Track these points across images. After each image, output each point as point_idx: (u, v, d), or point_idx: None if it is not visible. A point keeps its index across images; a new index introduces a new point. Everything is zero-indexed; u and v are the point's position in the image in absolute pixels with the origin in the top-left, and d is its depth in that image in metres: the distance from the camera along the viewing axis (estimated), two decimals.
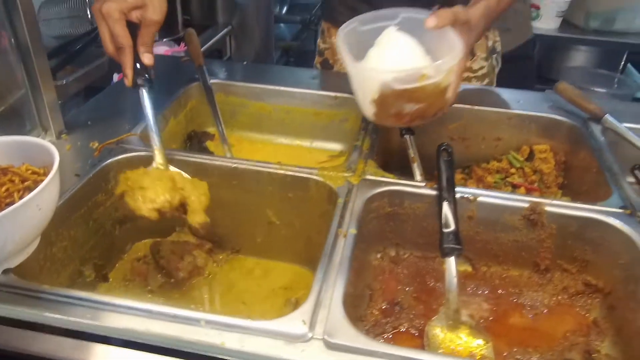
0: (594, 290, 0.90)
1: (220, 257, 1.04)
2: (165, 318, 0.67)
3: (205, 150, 1.25)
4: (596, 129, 1.13)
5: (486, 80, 1.38)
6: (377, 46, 0.88)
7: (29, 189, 0.70)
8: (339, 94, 1.26)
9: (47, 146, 0.74)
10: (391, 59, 0.86)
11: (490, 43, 1.34)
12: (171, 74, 1.36)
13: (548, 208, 0.90)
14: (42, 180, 0.68)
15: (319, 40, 1.53)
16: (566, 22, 2.58)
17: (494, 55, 1.36)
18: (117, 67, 1.90)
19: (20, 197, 0.69)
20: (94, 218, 0.96)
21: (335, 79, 1.39)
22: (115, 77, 1.68)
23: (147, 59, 0.92)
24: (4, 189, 0.71)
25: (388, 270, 0.96)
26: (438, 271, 0.94)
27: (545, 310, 0.90)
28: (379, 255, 0.98)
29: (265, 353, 0.65)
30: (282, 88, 1.29)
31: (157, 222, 0.93)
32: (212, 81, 1.27)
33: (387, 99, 0.83)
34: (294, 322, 0.67)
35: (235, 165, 1.00)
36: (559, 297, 0.92)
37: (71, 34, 1.91)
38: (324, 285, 0.73)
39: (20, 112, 1.02)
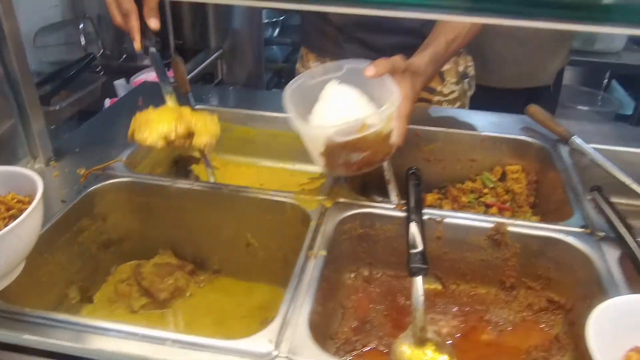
0: (557, 306, 0.93)
1: (202, 277, 1.08)
2: (135, 338, 0.71)
3: (191, 174, 1.30)
4: (564, 150, 1.17)
5: (458, 104, 1.42)
6: (321, 100, 0.93)
7: (14, 217, 0.74)
8: None
9: (32, 176, 0.78)
10: (334, 112, 0.90)
11: (461, 68, 1.39)
12: (159, 100, 1.41)
13: (511, 228, 0.94)
14: (26, 209, 0.73)
15: (297, 65, 1.59)
16: None
17: (466, 80, 1.40)
18: (109, 92, 1.94)
19: (5, 225, 0.73)
20: (79, 242, 1.00)
21: None
22: (107, 102, 1.73)
23: (153, 23, 0.96)
24: None
25: (361, 289, 1.00)
26: (409, 290, 0.96)
27: (510, 327, 0.93)
28: (352, 275, 1.01)
29: None
30: (266, 113, 1.34)
31: (141, 242, 0.96)
32: (197, 107, 1.33)
33: (334, 151, 0.87)
34: (261, 340, 0.71)
35: (215, 189, 1.04)
36: (524, 314, 0.95)
37: (66, 60, 1.98)
38: (291, 305, 0.77)
39: (11, 140, 1.06)
